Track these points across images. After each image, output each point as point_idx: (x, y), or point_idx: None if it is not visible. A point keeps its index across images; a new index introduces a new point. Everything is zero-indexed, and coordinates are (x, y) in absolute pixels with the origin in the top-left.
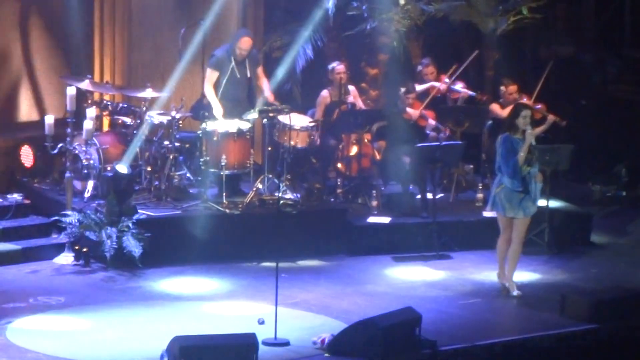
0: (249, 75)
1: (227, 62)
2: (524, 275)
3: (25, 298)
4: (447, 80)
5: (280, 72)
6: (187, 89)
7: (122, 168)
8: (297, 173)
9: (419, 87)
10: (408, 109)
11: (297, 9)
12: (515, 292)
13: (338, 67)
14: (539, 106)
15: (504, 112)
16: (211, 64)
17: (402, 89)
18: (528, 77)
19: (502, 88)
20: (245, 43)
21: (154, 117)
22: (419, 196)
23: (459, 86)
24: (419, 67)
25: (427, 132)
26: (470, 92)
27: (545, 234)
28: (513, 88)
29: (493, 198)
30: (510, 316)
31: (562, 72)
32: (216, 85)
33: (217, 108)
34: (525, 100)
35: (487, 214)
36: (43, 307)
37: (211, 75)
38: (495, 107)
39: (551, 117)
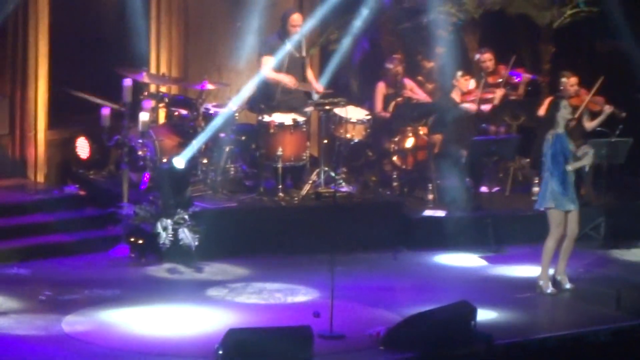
0: (304, 54)
1: (280, 46)
2: (579, 270)
3: (80, 290)
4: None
5: (337, 65)
6: (242, 81)
7: (179, 162)
8: (353, 166)
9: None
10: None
11: (353, 2)
12: (569, 285)
13: (394, 67)
14: (598, 100)
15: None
16: (265, 51)
17: (459, 73)
18: (584, 71)
19: (564, 80)
20: (296, 20)
21: (210, 109)
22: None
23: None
24: (477, 55)
25: (486, 124)
26: (532, 76)
27: (602, 228)
28: (574, 80)
29: (543, 196)
30: (565, 310)
31: (619, 65)
32: None
33: (287, 79)
34: (582, 93)
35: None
36: (98, 299)
37: (267, 61)
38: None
39: (608, 108)
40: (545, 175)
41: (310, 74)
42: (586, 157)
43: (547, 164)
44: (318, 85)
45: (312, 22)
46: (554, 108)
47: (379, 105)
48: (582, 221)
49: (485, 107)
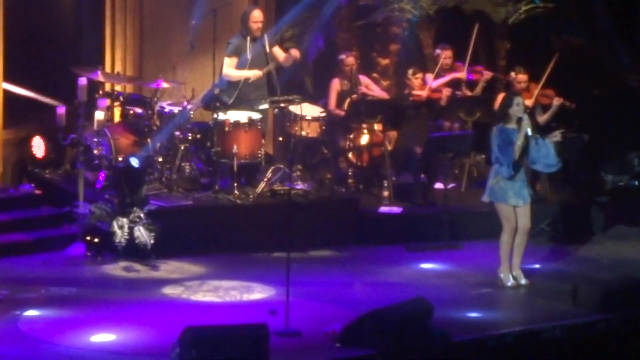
0: (267, 59)
1: (244, 45)
2: (535, 265)
3: (37, 289)
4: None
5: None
6: (197, 80)
7: (135, 162)
8: (309, 163)
9: (438, 81)
10: (415, 91)
11: None
12: (524, 281)
13: (348, 58)
14: (548, 93)
15: None
16: (229, 51)
17: (410, 71)
18: (540, 67)
19: (512, 74)
20: (257, 16)
21: (165, 107)
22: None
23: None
24: (437, 51)
25: (440, 121)
26: (492, 73)
27: (556, 223)
28: (523, 77)
29: (491, 189)
30: (522, 306)
31: (575, 61)
32: None
33: (250, 73)
34: (532, 88)
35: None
36: (55, 298)
37: (230, 62)
38: (500, 98)
39: (557, 100)
40: (493, 167)
41: (277, 50)
42: (523, 124)
43: (495, 155)
44: (294, 52)
45: (267, 20)
46: (506, 104)
47: (332, 102)
48: (539, 217)
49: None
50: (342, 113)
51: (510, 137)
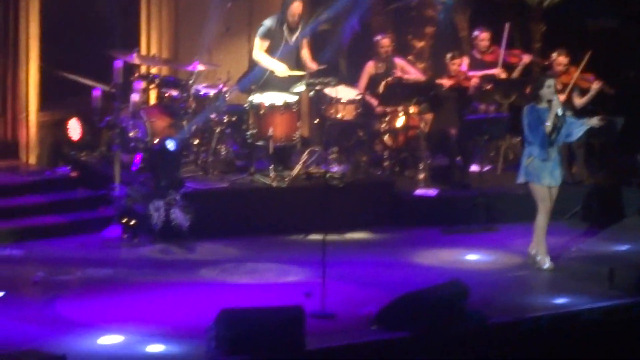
0: (298, 50)
1: (279, 31)
2: (572, 248)
3: (73, 271)
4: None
5: (327, 45)
6: (233, 62)
7: (170, 144)
8: (344, 146)
9: (475, 73)
10: (444, 80)
11: None
12: (548, 265)
13: (383, 40)
14: (587, 77)
15: None
16: (261, 33)
17: (448, 55)
18: (574, 50)
19: (554, 56)
20: (296, 8)
21: (201, 90)
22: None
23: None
24: (475, 33)
25: (475, 103)
26: (531, 57)
27: (592, 206)
28: (563, 60)
29: (525, 169)
30: (558, 289)
31: (610, 44)
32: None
33: (278, 65)
34: (572, 71)
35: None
36: (91, 280)
37: (262, 44)
38: None
39: (597, 84)
40: (525, 147)
41: (305, 53)
42: (554, 105)
43: (526, 134)
44: (312, 64)
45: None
46: (537, 85)
47: (362, 85)
48: (575, 199)
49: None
50: (373, 100)
51: (540, 117)
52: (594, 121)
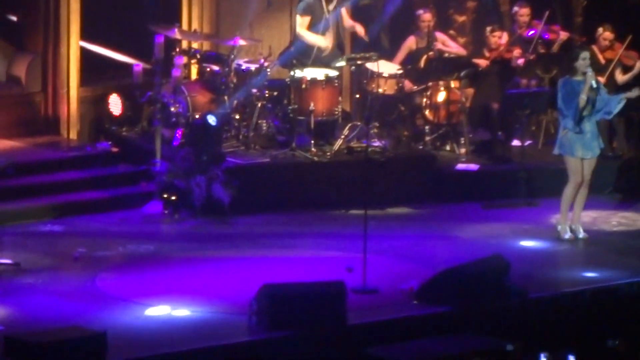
0: (338, 23)
1: (318, 5)
2: (612, 222)
3: (114, 247)
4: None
5: (369, 19)
6: (274, 37)
7: (212, 119)
8: (386, 121)
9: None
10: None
11: None
12: (582, 234)
13: (425, 14)
14: (631, 54)
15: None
16: (300, 9)
17: (488, 28)
18: (617, 24)
19: (600, 30)
20: None
21: (242, 65)
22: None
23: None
24: (515, 8)
25: (517, 77)
26: (569, 34)
27: (634, 179)
28: (608, 35)
29: (560, 141)
30: (599, 263)
31: None
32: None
33: (321, 40)
34: (617, 47)
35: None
36: (132, 255)
37: (302, 20)
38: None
39: None
40: (560, 120)
41: (348, 21)
42: (588, 77)
43: (559, 107)
44: (359, 28)
45: None
46: (572, 57)
47: (399, 58)
48: (615, 173)
49: (518, 61)
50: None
51: (574, 89)
52: (634, 92)
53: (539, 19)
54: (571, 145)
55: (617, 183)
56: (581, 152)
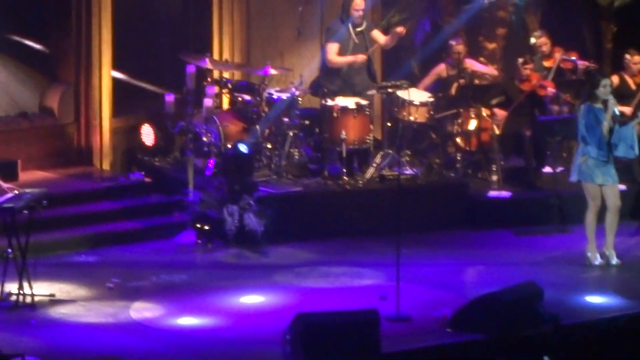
0: (367, 44)
1: (345, 30)
2: None
3: (148, 276)
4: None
5: (399, 47)
6: (304, 66)
7: (244, 148)
8: (417, 148)
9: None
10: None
11: None
12: (615, 261)
13: (457, 46)
14: None
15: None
16: (329, 37)
17: (520, 60)
18: None
19: (627, 57)
20: (359, 3)
21: (273, 94)
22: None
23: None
24: (532, 40)
25: (547, 104)
26: (588, 63)
27: None
28: (638, 58)
29: (578, 167)
30: (633, 289)
31: None
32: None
33: (355, 59)
34: None
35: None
36: (166, 285)
37: (332, 47)
38: (615, 79)
39: None
40: (579, 147)
41: (379, 38)
42: (610, 105)
43: (582, 134)
44: (390, 40)
45: (372, 3)
46: (594, 84)
47: (425, 83)
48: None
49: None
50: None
51: (597, 116)
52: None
53: (564, 46)
54: (590, 173)
55: None
56: (601, 179)
